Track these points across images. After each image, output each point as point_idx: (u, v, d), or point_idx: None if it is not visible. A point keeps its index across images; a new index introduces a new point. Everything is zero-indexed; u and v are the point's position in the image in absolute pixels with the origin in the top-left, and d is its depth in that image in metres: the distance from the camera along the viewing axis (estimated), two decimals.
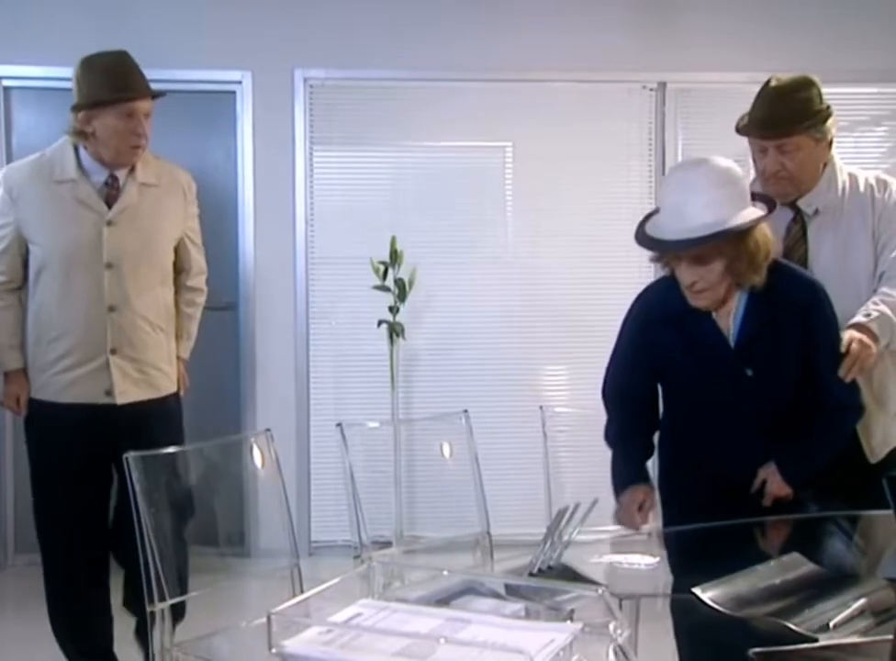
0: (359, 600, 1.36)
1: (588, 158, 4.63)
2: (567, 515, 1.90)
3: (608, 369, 2.42)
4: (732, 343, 2.23)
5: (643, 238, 2.18)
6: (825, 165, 2.60)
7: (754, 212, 2.13)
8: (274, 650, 1.21)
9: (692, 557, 2.08)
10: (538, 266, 4.58)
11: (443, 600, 1.42)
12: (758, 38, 4.59)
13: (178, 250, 2.96)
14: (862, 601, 1.58)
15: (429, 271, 4.44)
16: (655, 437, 2.39)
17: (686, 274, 2.15)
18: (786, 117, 2.53)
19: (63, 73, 4.45)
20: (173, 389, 2.95)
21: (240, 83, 4.50)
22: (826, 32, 4.63)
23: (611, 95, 4.65)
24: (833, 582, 1.72)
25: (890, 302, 2.43)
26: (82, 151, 2.78)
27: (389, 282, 4.35)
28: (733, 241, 2.09)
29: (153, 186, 2.85)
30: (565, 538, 1.88)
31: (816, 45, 4.62)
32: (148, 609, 2.23)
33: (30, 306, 2.84)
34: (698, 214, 2.07)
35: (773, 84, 2.59)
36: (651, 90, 4.68)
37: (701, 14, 4.65)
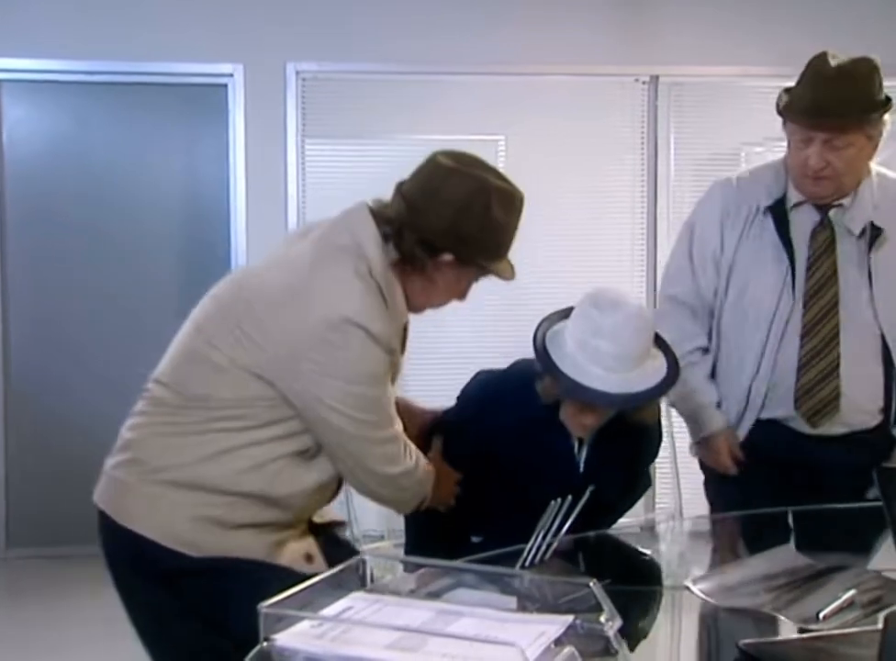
0: (350, 594, 1.36)
1: (580, 151, 4.63)
2: (559, 508, 1.91)
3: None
4: (581, 464, 2.15)
5: (568, 381, 1.97)
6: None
7: (661, 361, 2.04)
8: (265, 643, 1.21)
9: None
10: (530, 259, 4.58)
11: (435, 593, 1.42)
12: (751, 31, 4.60)
13: None
14: (851, 593, 1.59)
15: None
16: None
17: (589, 418, 2.06)
18: (845, 104, 2.13)
19: (55, 66, 4.48)
20: None
21: (231, 76, 4.50)
22: (820, 26, 4.63)
23: (604, 88, 4.66)
24: (822, 574, 1.73)
25: None
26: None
27: None
28: None
29: None
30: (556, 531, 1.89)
31: (809, 39, 4.60)
32: None
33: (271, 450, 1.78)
34: (636, 367, 1.97)
35: (832, 62, 2.17)
36: (643, 83, 4.68)
37: (694, 7, 4.65)
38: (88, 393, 4.50)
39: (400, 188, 1.86)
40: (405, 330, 1.90)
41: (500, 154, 4.64)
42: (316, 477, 1.82)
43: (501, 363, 2.27)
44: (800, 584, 1.68)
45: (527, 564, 1.81)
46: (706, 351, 2.40)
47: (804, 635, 1.48)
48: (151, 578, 1.78)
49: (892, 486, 1.67)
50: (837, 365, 2.29)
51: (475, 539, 2.16)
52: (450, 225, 1.77)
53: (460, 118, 4.58)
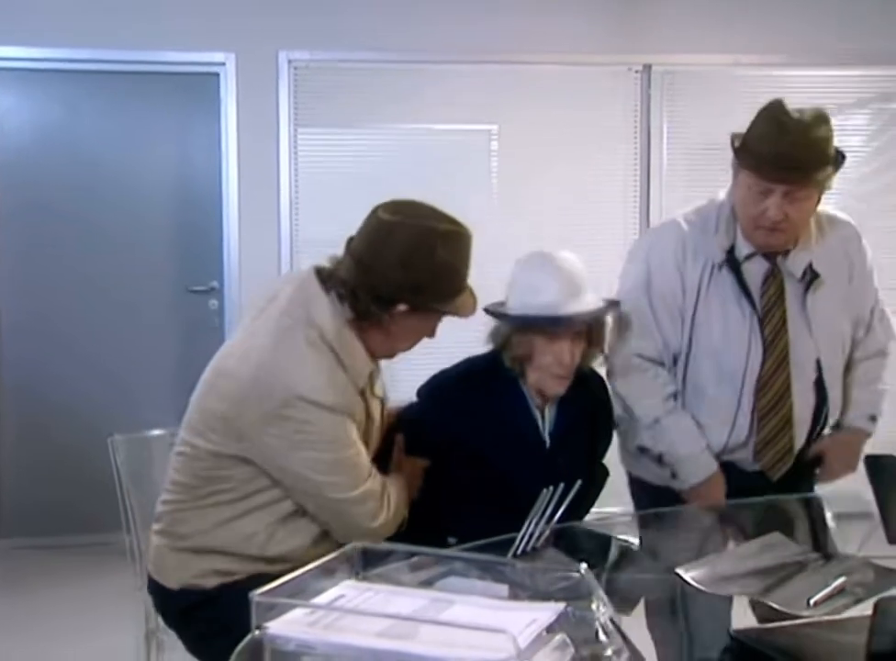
0: (343, 582, 1.36)
1: (573, 140, 4.63)
2: (550, 497, 1.91)
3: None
4: (547, 437, 2.19)
5: (528, 318, 2.12)
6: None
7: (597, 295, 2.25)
8: (257, 631, 1.22)
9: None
10: (523, 248, 4.58)
11: (427, 582, 1.43)
12: (743, 20, 4.59)
13: None
14: (841, 579, 1.60)
15: None
16: None
17: (566, 353, 2.12)
18: (811, 160, 2.09)
19: (45, 54, 4.46)
20: None
21: (223, 65, 4.48)
22: (812, 15, 4.63)
23: (597, 77, 4.65)
24: (813, 561, 1.73)
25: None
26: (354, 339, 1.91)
27: None
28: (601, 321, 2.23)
29: None
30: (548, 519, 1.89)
31: (802, 28, 4.61)
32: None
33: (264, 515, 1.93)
34: (586, 288, 2.18)
35: (793, 115, 2.11)
36: (636, 72, 4.67)
37: None
38: (80, 383, 4.49)
39: (349, 245, 1.92)
40: (372, 376, 1.97)
41: (493, 143, 4.63)
42: (305, 538, 1.93)
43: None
44: (790, 571, 1.69)
45: (518, 552, 1.81)
46: (677, 396, 2.34)
47: (795, 622, 1.49)
48: (175, 619, 2.02)
49: (881, 473, 1.68)
50: (791, 418, 2.28)
51: (451, 540, 2.16)
52: (399, 277, 1.84)
53: (453, 107, 4.57)
